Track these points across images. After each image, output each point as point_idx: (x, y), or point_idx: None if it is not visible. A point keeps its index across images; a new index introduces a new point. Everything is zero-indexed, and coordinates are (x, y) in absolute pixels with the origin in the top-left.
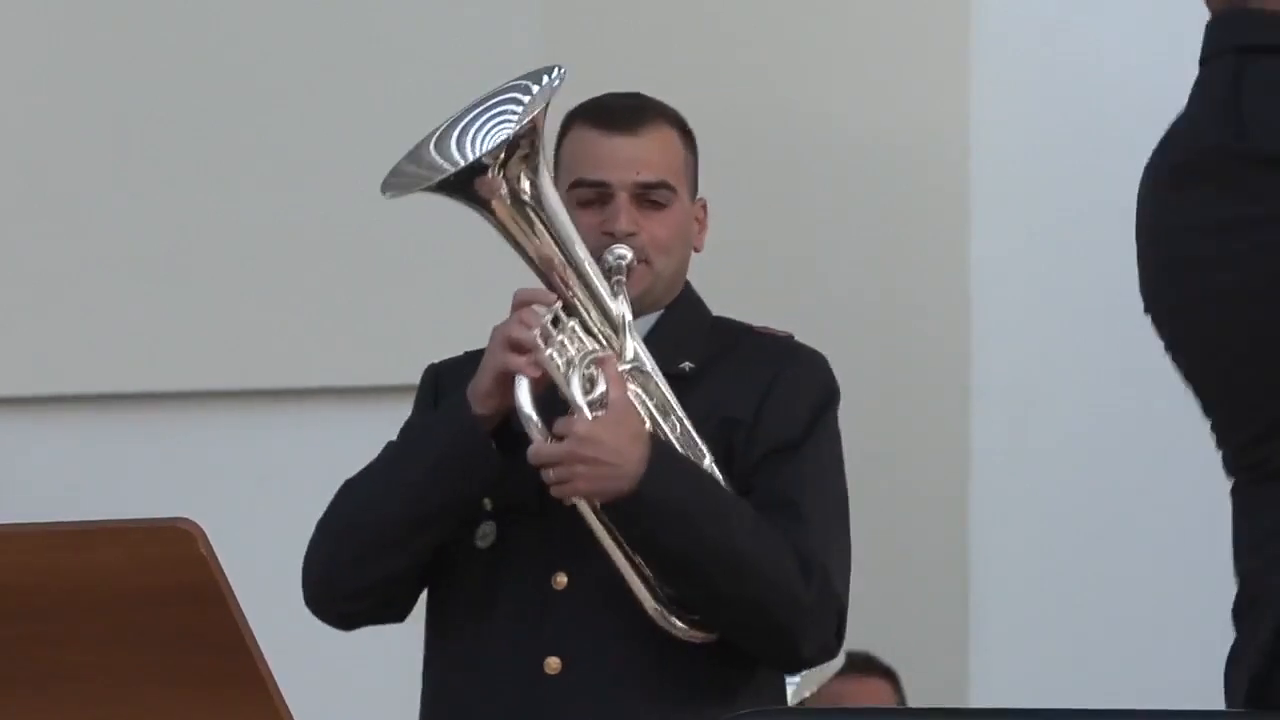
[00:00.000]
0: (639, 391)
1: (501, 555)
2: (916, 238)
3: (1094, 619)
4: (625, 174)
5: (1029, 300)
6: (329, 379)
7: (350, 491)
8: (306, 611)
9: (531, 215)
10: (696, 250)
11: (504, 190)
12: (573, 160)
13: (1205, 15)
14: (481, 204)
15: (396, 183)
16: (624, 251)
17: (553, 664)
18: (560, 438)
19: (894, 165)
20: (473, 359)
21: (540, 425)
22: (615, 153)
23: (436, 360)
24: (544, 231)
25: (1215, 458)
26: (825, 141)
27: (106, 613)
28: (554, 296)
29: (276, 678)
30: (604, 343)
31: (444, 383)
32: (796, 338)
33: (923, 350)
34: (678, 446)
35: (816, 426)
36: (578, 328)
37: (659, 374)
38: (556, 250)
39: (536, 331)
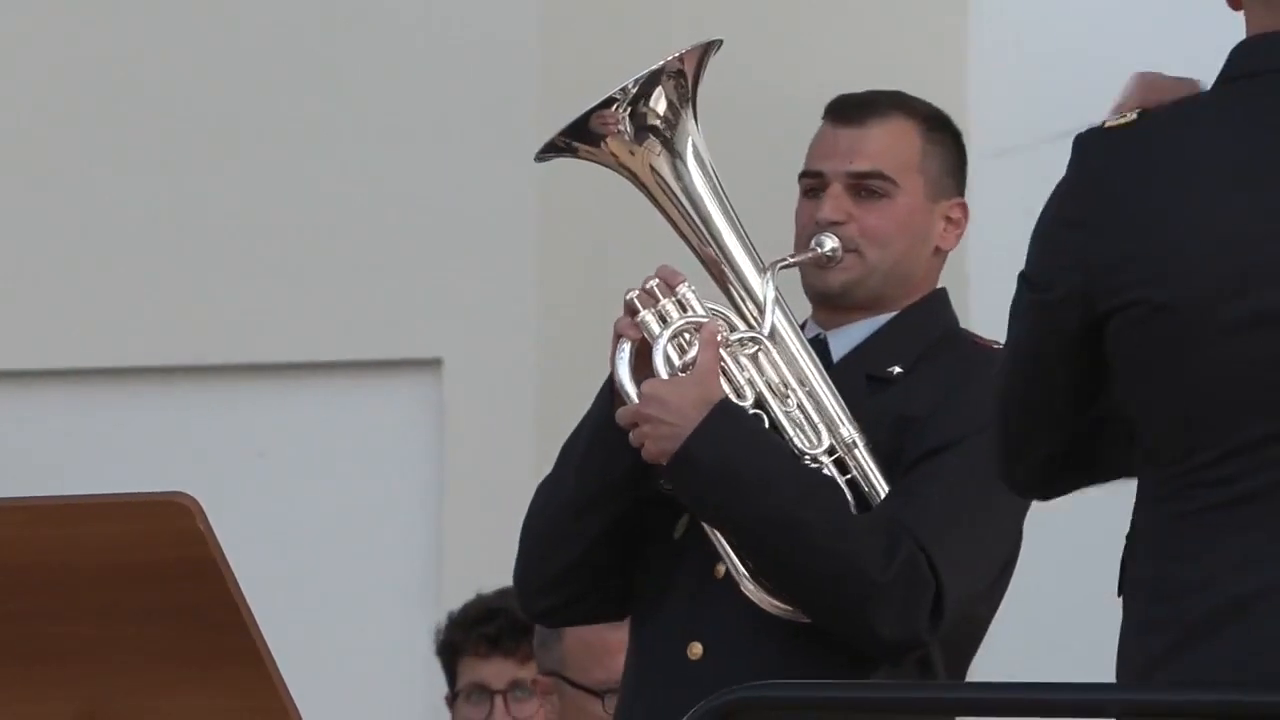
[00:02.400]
0: (747, 365)
1: (686, 546)
2: None
3: (1081, 599)
4: (840, 164)
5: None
6: (322, 354)
7: (537, 489)
8: (302, 587)
9: (666, 164)
10: (941, 250)
11: (628, 128)
12: (808, 154)
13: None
14: (600, 141)
15: (543, 153)
16: (825, 239)
17: (695, 650)
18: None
19: None
20: None
21: (632, 390)
22: (836, 143)
23: (437, 347)
24: (680, 185)
25: None
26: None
27: (103, 587)
28: (682, 276)
29: (273, 653)
30: (747, 318)
31: None
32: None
33: None
34: (786, 425)
35: (968, 436)
36: (691, 296)
37: (805, 354)
38: (694, 213)
39: (635, 293)
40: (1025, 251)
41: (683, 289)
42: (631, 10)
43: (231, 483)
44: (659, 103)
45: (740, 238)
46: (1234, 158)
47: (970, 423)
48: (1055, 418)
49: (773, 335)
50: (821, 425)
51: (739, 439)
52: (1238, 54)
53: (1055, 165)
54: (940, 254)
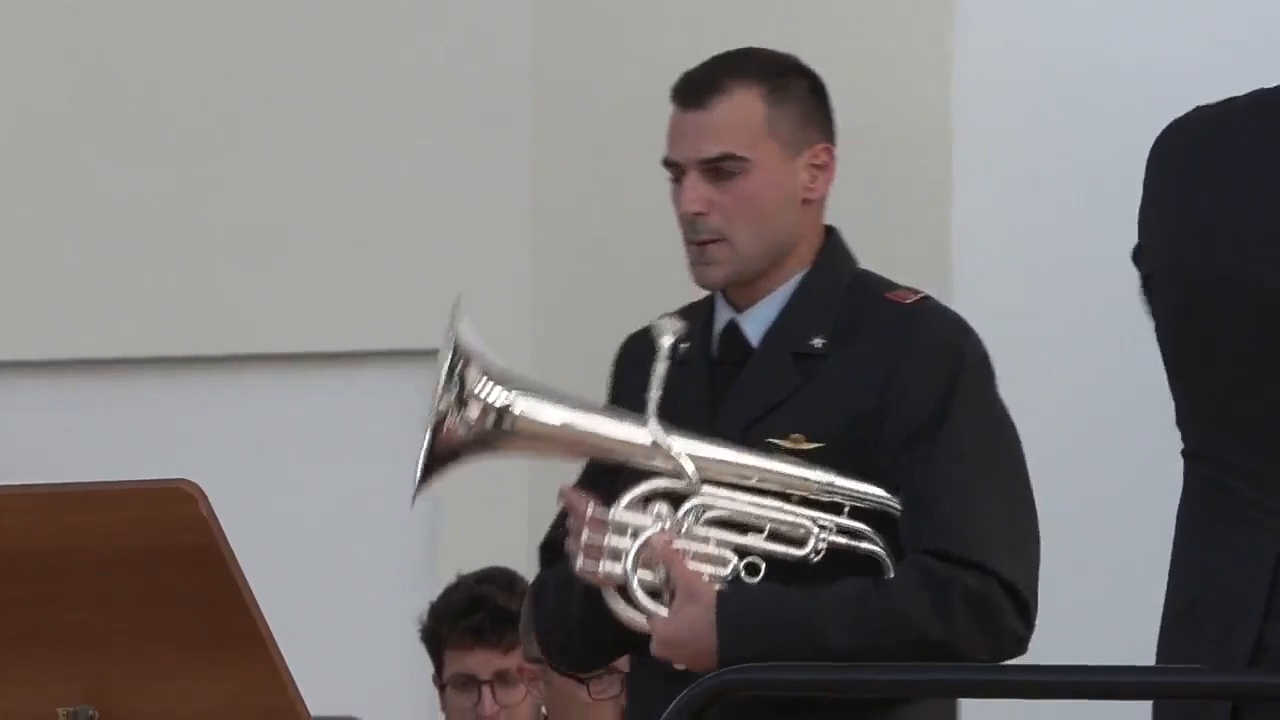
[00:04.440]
0: (708, 533)
1: None
2: (900, 214)
3: (1064, 577)
4: (690, 151)
5: (1007, 272)
6: (322, 345)
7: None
8: (304, 572)
9: (519, 436)
10: (810, 200)
11: (469, 426)
12: (666, 140)
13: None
14: (479, 450)
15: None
16: (664, 339)
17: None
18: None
19: (880, 147)
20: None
21: (644, 620)
22: (683, 129)
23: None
24: (544, 439)
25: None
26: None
27: (109, 573)
28: (584, 500)
29: (275, 635)
30: (670, 472)
31: (628, 360)
32: (933, 298)
33: None
34: (775, 545)
35: (953, 404)
36: (619, 513)
37: (733, 451)
38: (578, 449)
39: (587, 563)
40: (1008, 257)
41: (606, 513)
42: (621, 11)
43: (234, 471)
44: (471, 385)
45: (605, 415)
46: None
47: (940, 385)
48: None
49: (699, 471)
50: (796, 503)
51: (762, 626)
52: None
53: (1038, 172)
54: (811, 204)
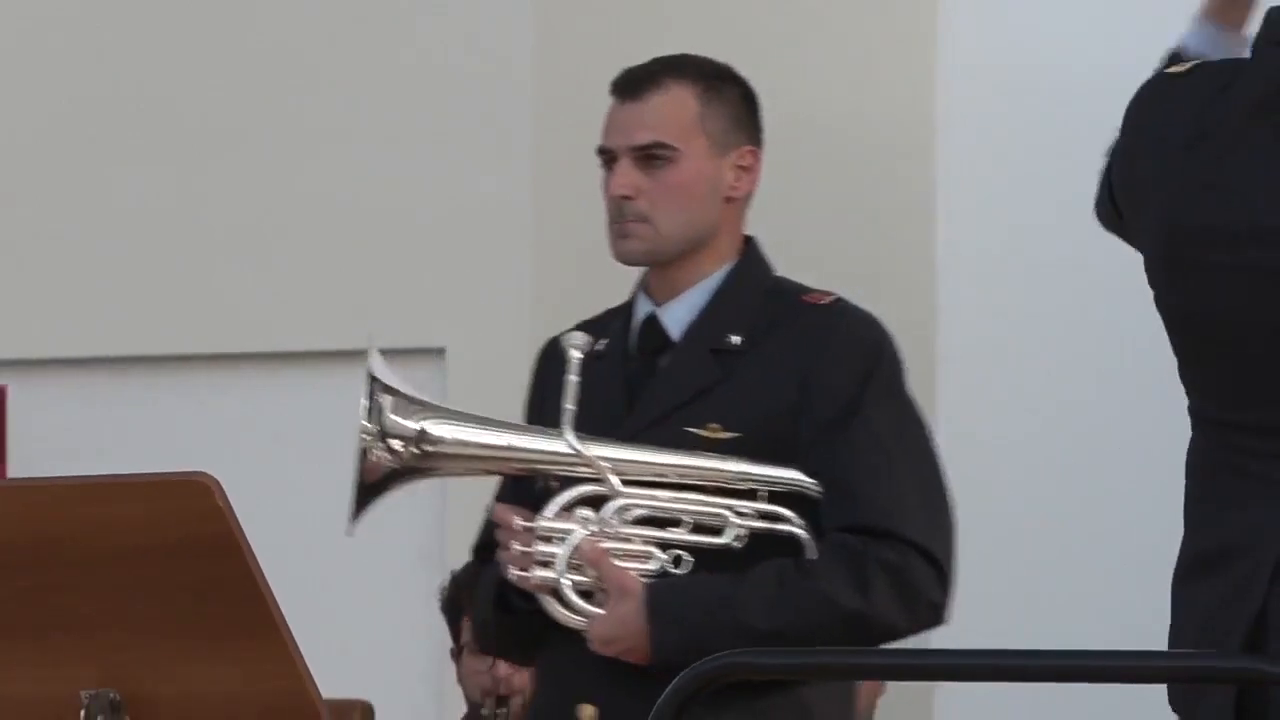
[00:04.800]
0: (632, 532)
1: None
2: (886, 219)
3: (1049, 561)
4: (624, 139)
5: (990, 275)
6: (335, 343)
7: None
8: (316, 560)
9: (443, 458)
10: (733, 199)
11: (401, 467)
12: (602, 130)
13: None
14: (407, 478)
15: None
16: (572, 352)
17: (586, 712)
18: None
19: (865, 151)
20: (584, 328)
21: (581, 621)
22: (619, 119)
23: (440, 337)
24: (467, 459)
25: (1168, 422)
26: (804, 132)
27: (126, 562)
28: (510, 513)
29: (289, 622)
30: (591, 501)
31: (547, 363)
32: (846, 299)
33: (889, 319)
34: (698, 535)
35: (866, 393)
36: (544, 521)
37: (648, 453)
38: (501, 464)
39: (520, 571)
40: (992, 268)
41: (540, 522)
42: (621, 13)
43: (248, 464)
44: (391, 418)
45: (523, 431)
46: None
47: (856, 378)
48: None
49: (617, 474)
50: (714, 493)
51: (690, 614)
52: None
53: (1020, 177)
54: (734, 202)
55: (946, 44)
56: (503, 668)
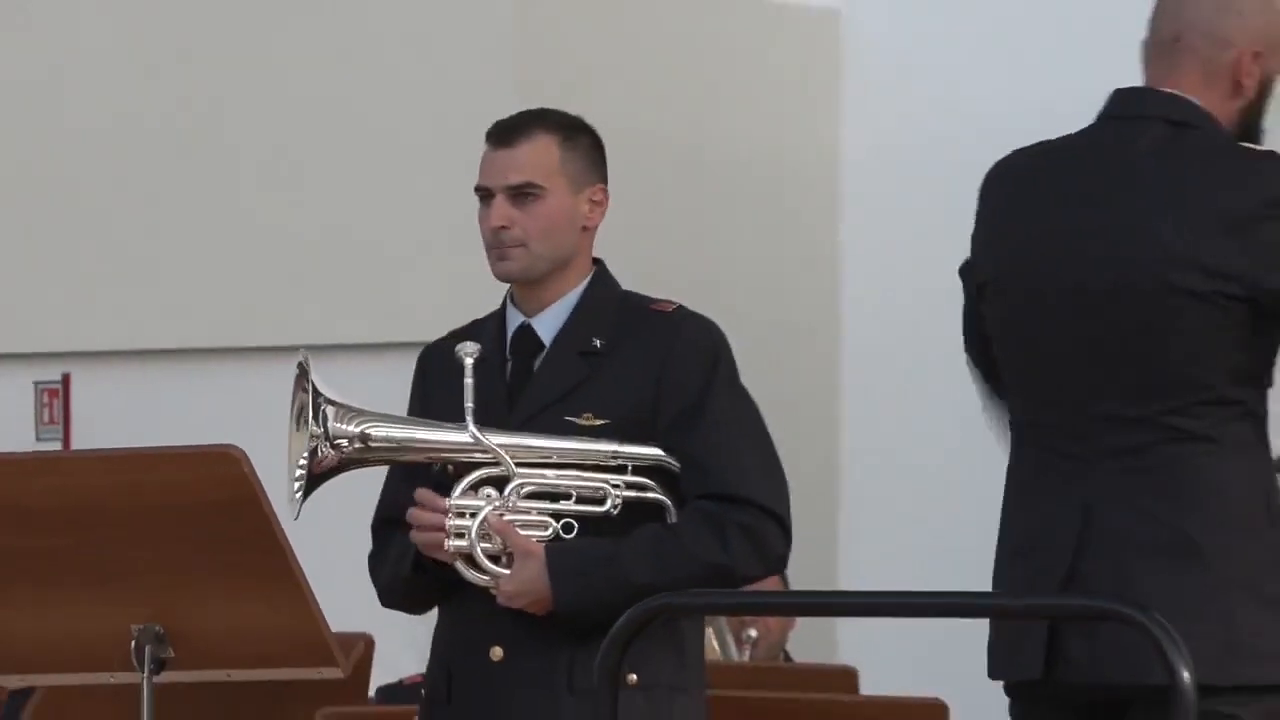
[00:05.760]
0: (529, 506)
1: None
2: (790, 227)
3: (952, 514)
4: (499, 180)
5: (892, 280)
6: (340, 338)
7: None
8: (329, 522)
9: (375, 450)
10: (587, 228)
11: (342, 460)
12: (479, 171)
13: (1027, 47)
14: (346, 468)
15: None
16: (465, 357)
17: (496, 653)
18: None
19: (775, 168)
20: (455, 336)
21: (491, 580)
22: (495, 163)
23: (418, 336)
24: (393, 452)
25: None
26: (723, 151)
27: (169, 520)
28: (438, 500)
29: (303, 568)
30: (492, 482)
31: (429, 365)
32: (685, 306)
33: (795, 320)
34: (582, 505)
35: (709, 387)
36: (460, 499)
37: (536, 440)
38: (417, 454)
39: (437, 537)
40: (895, 286)
41: (451, 500)
42: (594, 20)
43: (271, 440)
44: (333, 422)
45: (435, 427)
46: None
47: (696, 366)
48: None
49: (513, 458)
50: (591, 470)
51: (584, 570)
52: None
53: (921, 208)
54: (588, 230)
55: (851, 77)
56: None
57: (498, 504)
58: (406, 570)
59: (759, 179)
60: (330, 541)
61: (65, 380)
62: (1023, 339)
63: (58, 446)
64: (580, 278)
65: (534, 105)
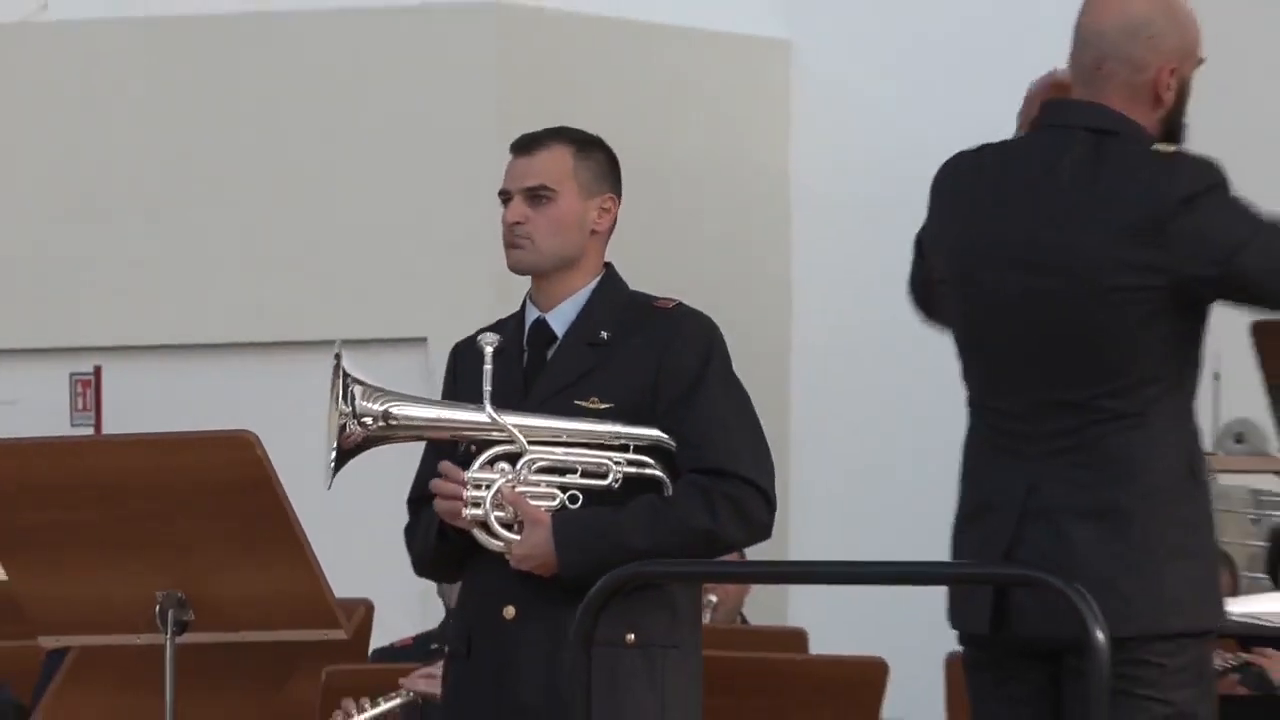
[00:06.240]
0: (539, 479)
1: None
2: (744, 237)
3: (885, 498)
4: (517, 183)
5: (836, 280)
6: (336, 333)
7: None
8: (330, 495)
9: (397, 427)
10: (596, 232)
11: (368, 436)
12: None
13: (957, 74)
14: (373, 444)
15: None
16: (485, 346)
17: (509, 612)
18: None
19: (731, 184)
20: (481, 333)
21: (503, 545)
22: (514, 168)
23: (417, 334)
24: (416, 429)
25: None
26: (684, 169)
27: (190, 496)
28: (458, 472)
29: (310, 541)
30: (506, 458)
31: (459, 358)
32: (684, 304)
33: (749, 319)
34: (587, 479)
35: (704, 374)
36: (477, 472)
37: (545, 420)
38: (439, 432)
39: (455, 506)
40: (840, 286)
41: (468, 474)
42: (571, 51)
43: (285, 427)
44: (360, 401)
45: (455, 407)
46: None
47: (692, 356)
48: None
49: (525, 436)
50: (596, 448)
51: (585, 540)
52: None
53: (862, 218)
54: (597, 234)
55: (799, 103)
56: None
57: (510, 477)
58: (433, 539)
59: (716, 194)
60: (336, 516)
61: (97, 372)
62: (973, 333)
63: (90, 431)
64: (590, 277)
65: (515, 131)
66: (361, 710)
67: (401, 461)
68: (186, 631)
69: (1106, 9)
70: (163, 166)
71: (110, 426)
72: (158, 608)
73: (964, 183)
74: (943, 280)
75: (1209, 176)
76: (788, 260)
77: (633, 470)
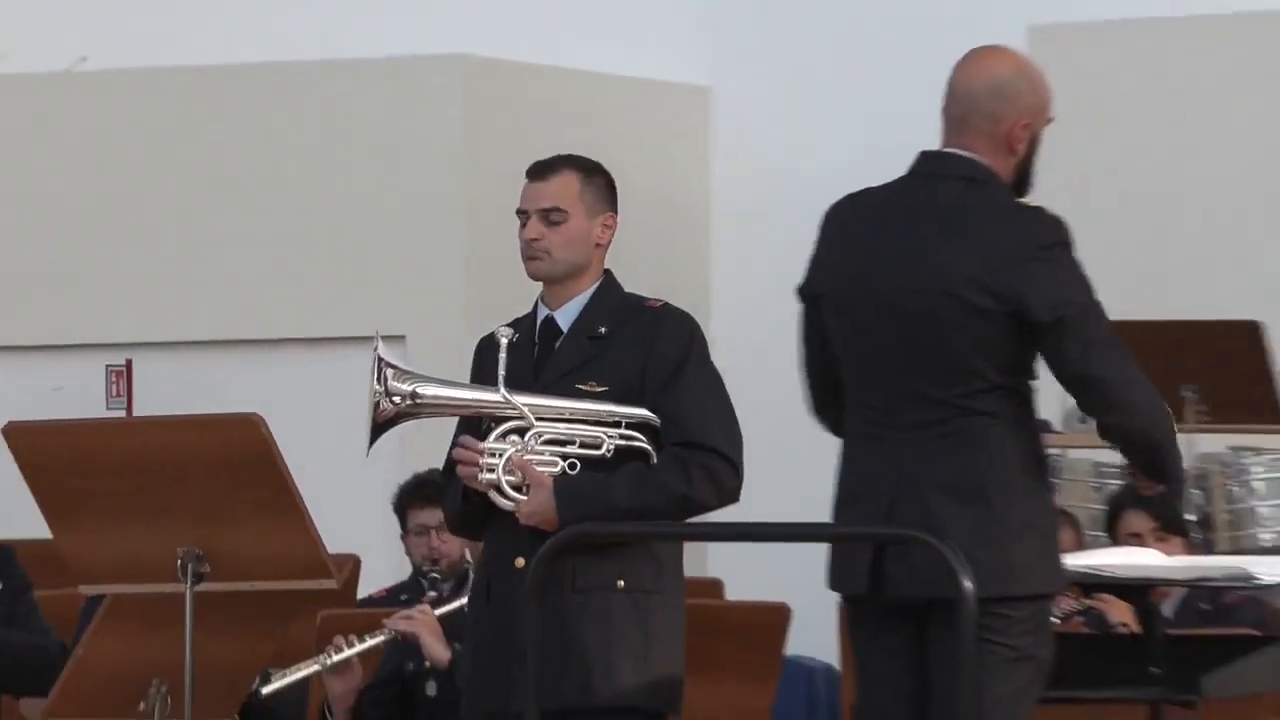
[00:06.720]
0: (543, 450)
1: None
2: (667, 263)
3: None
4: (533, 204)
5: (753, 296)
6: (320, 331)
7: (442, 500)
8: (325, 470)
9: (425, 406)
10: (599, 245)
11: (398, 412)
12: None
13: (859, 113)
14: (403, 419)
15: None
16: (501, 338)
17: (519, 562)
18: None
19: (657, 215)
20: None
21: (513, 504)
22: (530, 191)
23: (402, 327)
24: (439, 407)
25: None
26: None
27: (205, 470)
28: (475, 443)
29: (308, 508)
30: (517, 431)
31: (483, 349)
32: (670, 304)
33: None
34: (585, 450)
35: (684, 363)
36: (490, 444)
37: (550, 399)
38: (460, 409)
39: (473, 471)
40: (757, 302)
41: (485, 445)
42: (525, 95)
43: (292, 413)
44: (392, 381)
45: (473, 388)
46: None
47: (675, 347)
48: None
49: (533, 413)
50: (593, 424)
51: (581, 500)
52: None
53: (776, 240)
54: (600, 247)
55: (716, 134)
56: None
57: (520, 447)
58: (460, 501)
59: (643, 224)
60: (331, 486)
61: (128, 364)
62: (853, 340)
63: (122, 414)
64: (592, 281)
65: (481, 163)
66: (351, 645)
67: (385, 448)
68: (203, 581)
69: (976, 71)
70: (186, 190)
71: (139, 410)
72: (179, 561)
73: (847, 216)
74: (824, 295)
75: (1063, 233)
76: (707, 282)
77: (623, 443)
